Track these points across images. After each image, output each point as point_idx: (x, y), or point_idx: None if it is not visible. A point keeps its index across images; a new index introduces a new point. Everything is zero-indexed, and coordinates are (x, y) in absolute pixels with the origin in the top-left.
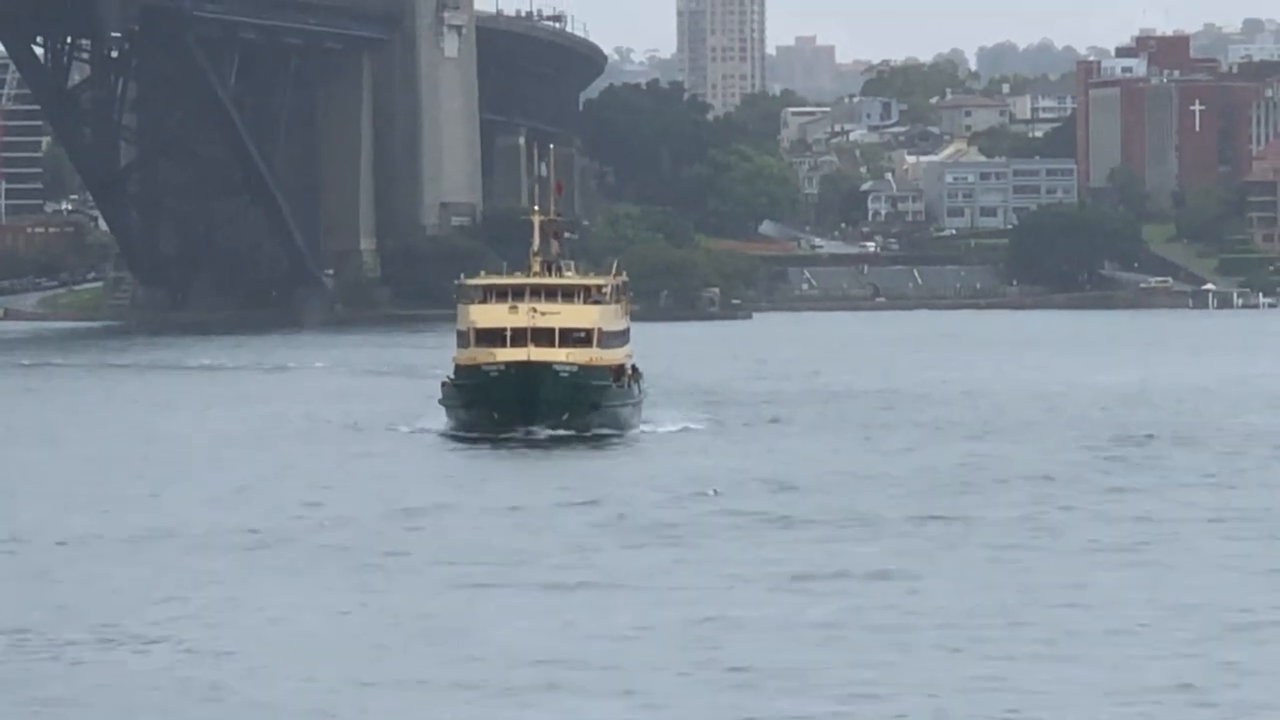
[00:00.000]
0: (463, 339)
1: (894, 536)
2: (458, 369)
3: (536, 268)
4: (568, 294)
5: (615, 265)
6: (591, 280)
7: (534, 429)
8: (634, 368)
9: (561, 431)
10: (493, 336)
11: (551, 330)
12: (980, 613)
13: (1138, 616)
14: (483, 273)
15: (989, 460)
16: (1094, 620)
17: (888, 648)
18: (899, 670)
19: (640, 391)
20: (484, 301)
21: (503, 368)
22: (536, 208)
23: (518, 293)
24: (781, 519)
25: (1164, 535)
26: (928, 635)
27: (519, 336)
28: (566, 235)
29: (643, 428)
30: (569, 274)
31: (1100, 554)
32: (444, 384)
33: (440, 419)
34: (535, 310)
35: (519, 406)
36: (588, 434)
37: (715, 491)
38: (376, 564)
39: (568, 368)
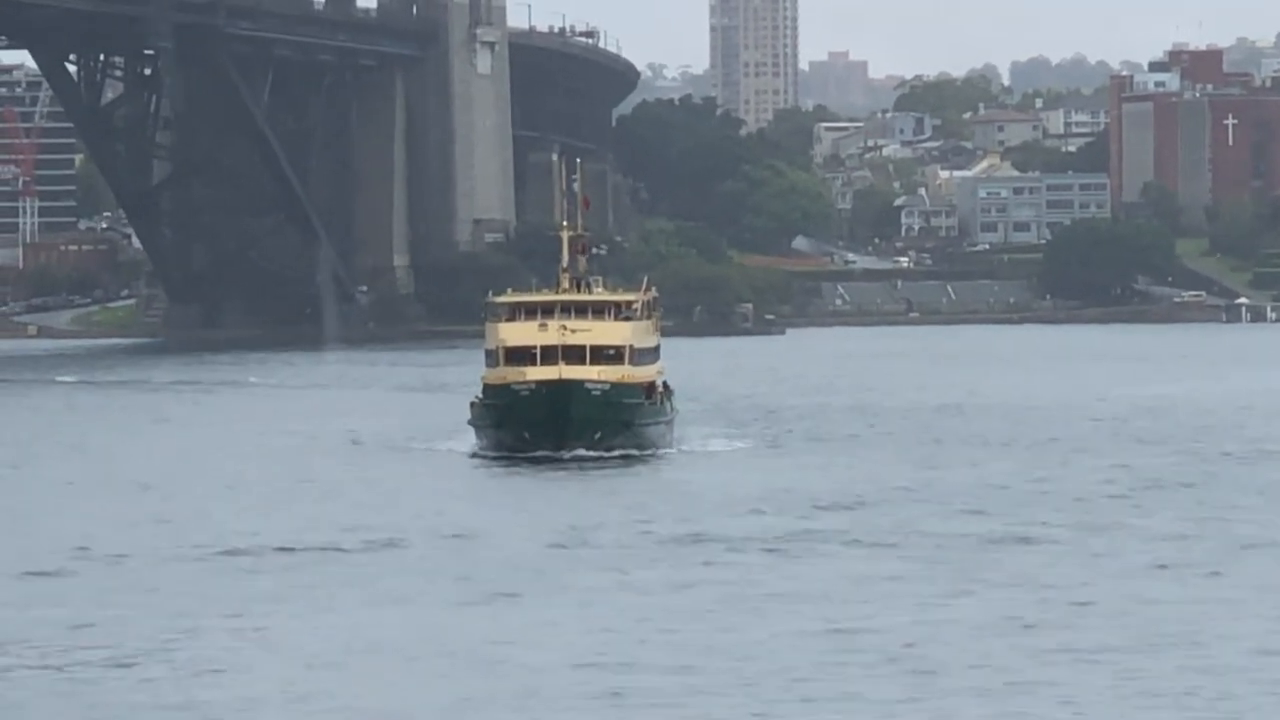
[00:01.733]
0: (491, 358)
1: (944, 556)
2: (486, 388)
3: (566, 284)
4: (598, 310)
5: (645, 281)
6: (622, 296)
7: (565, 449)
8: (665, 385)
9: (593, 451)
10: (522, 355)
11: (582, 348)
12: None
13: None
14: (509, 290)
15: (1053, 477)
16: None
17: (914, 674)
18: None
19: (672, 409)
20: (512, 319)
21: (533, 386)
22: (565, 223)
23: (547, 310)
24: (828, 536)
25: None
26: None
27: (549, 354)
28: (595, 251)
29: (677, 446)
30: (598, 290)
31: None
32: (473, 403)
33: (469, 439)
34: (565, 327)
35: (550, 426)
36: (620, 453)
37: None
38: (407, 583)
39: (600, 386)
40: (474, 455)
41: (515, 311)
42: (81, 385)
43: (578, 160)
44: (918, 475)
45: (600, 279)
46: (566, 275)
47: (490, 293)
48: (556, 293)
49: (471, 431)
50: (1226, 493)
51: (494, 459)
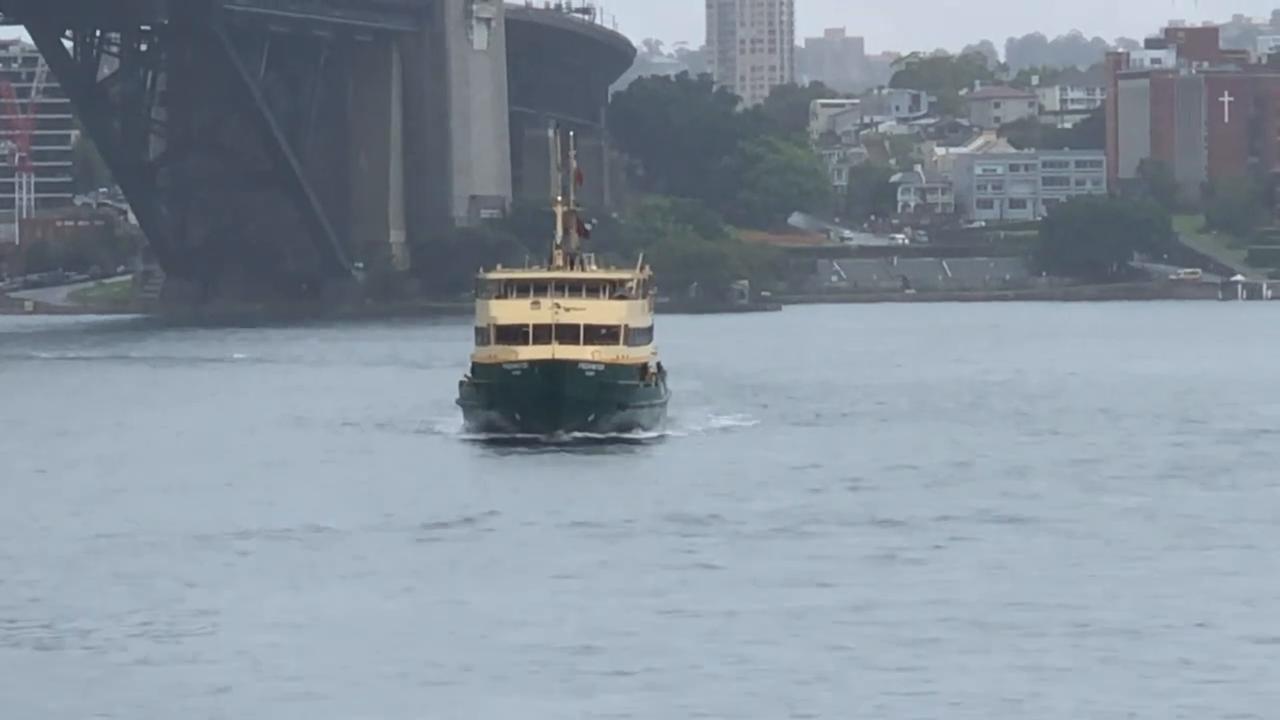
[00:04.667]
0: (482, 336)
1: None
2: (476, 367)
3: (559, 261)
4: (592, 289)
5: (640, 259)
6: (617, 274)
7: (558, 430)
8: (659, 366)
9: (586, 433)
10: (514, 333)
11: (576, 327)
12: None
13: None
14: (499, 266)
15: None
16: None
17: (906, 651)
18: (926, 672)
19: (666, 391)
20: (504, 296)
21: (525, 366)
22: (559, 198)
23: (540, 287)
24: (831, 515)
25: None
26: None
27: (542, 333)
28: (588, 226)
29: (670, 428)
30: (592, 267)
31: None
32: (462, 383)
33: (457, 419)
34: (559, 306)
35: (543, 407)
36: (613, 435)
37: None
38: (402, 565)
39: (594, 366)
40: (462, 437)
41: (507, 288)
42: (68, 360)
43: (571, 134)
44: (930, 452)
45: (592, 255)
46: (560, 252)
47: (481, 269)
48: (550, 269)
49: (460, 412)
50: None
51: (484, 440)
